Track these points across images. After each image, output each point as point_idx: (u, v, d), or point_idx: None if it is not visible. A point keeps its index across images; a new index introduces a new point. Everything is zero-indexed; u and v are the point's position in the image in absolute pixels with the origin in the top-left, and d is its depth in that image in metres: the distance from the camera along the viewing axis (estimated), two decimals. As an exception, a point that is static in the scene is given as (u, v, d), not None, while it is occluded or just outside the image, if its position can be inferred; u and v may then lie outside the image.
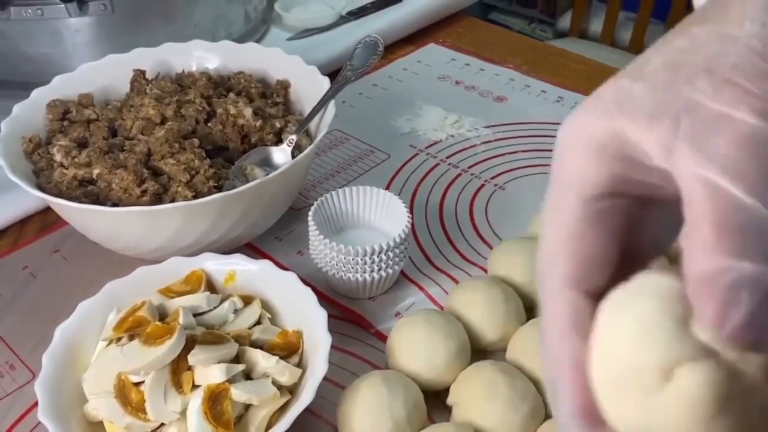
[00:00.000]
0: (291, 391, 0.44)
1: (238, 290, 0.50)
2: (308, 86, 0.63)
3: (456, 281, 0.56)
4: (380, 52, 0.62)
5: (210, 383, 0.41)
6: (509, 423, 0.42)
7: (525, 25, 2.30)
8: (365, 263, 0.51)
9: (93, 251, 0.57)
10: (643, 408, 0.20)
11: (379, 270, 0.51)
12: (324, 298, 0.54)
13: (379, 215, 0.57)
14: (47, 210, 0.63)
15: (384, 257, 0.51)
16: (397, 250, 0.52)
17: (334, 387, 0.47)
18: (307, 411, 0.42)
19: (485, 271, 0.56)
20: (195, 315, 0.46)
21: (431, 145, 0.72)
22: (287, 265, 0.57)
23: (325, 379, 0.42)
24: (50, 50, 0.73)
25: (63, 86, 0.62)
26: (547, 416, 0.43)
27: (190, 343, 0.42)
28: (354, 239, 0.56)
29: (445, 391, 0.46)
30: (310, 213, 0.53)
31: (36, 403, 0.41)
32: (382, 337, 0.51)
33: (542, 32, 2.25)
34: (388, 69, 0.85)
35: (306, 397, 0.41)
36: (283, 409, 0.43)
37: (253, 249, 0.59)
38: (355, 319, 0.53)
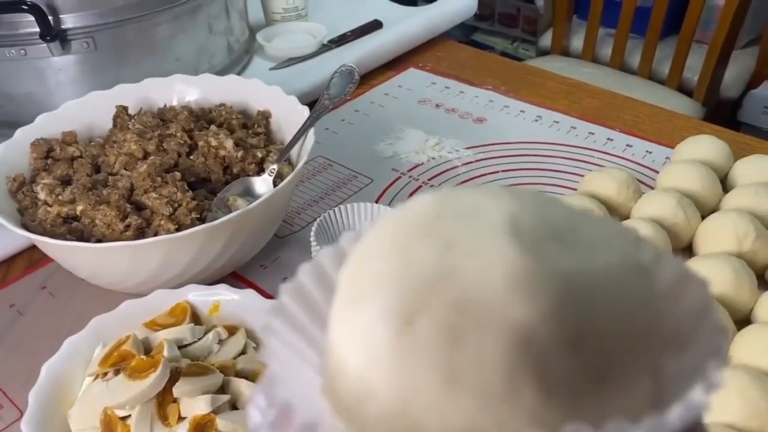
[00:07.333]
0: (277, 419, 0.44)
1: (223, 320, 0.50)
2: (288, 115, 0.63)
3: (440, 303, 0.56)
4: (356, 80, 0.63)
5: (195, 414, 0.42)
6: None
7: (508, 45, 2.33)
8: None
9: (80, 286, 0.58)
10: None
11: None
12: (309, 325, 0.54)
13: None
14: (33, 247, 0.63)
15: None
16: None
17: (320, 413, 0.47)
18: (293, 438, 0.42)
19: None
20: (180, 347, 0.47)
21: (413, 168, 0.73)
22: (273, 293, 0.57)
23: (309, 405, 0.42)
24: (33, 89, 0.74)
25: (46, 124, 0.62)
26: None
27: (174, 376, 0.43)
28: None
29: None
30: (312, 230, 0.55)
31: (23, 442, 0.42)
32: (368, 362, 0.52)
33: (525, 51, 2.29)
34: (369, 95, 0.86)
35: (291, 424, 0.41)
36: (269, 437, 0.43)
37: (238, 278, 0.60)
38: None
